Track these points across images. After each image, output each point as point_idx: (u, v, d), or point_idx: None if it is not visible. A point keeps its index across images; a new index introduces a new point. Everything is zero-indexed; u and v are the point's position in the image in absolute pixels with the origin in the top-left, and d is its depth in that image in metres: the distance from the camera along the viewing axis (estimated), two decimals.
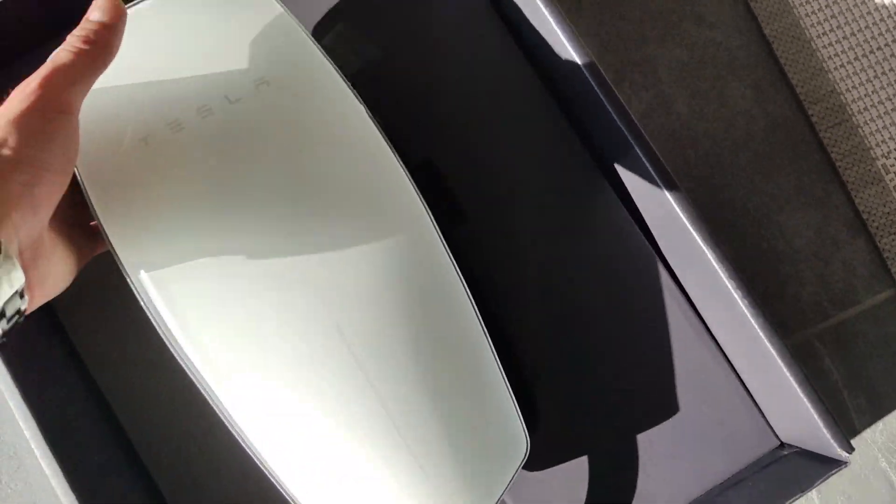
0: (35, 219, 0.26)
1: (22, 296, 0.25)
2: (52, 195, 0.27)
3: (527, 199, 0.42)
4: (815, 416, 0.35)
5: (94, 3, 0.29)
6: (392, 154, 0.32)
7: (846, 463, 0.35)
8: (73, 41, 0.28)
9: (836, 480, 0.46)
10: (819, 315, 0.48)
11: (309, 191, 0.30)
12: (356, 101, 0.33)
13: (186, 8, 0.34)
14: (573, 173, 0.42)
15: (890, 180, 0.49)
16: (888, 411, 0.47)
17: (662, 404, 0.40)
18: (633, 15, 0.51)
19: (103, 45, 0.28)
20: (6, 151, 0.25)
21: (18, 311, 0.25)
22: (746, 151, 0.49)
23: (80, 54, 0.28)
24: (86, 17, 0.29)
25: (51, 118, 0.26)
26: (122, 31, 0.29)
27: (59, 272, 0.29)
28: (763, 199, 0.48)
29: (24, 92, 0.26)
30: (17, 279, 0.24)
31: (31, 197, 0.25)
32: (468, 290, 0.31)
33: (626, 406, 0.40)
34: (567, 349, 0.40)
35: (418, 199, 0.31)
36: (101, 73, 0.28)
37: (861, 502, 0.46)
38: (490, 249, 0.41)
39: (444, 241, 0.31)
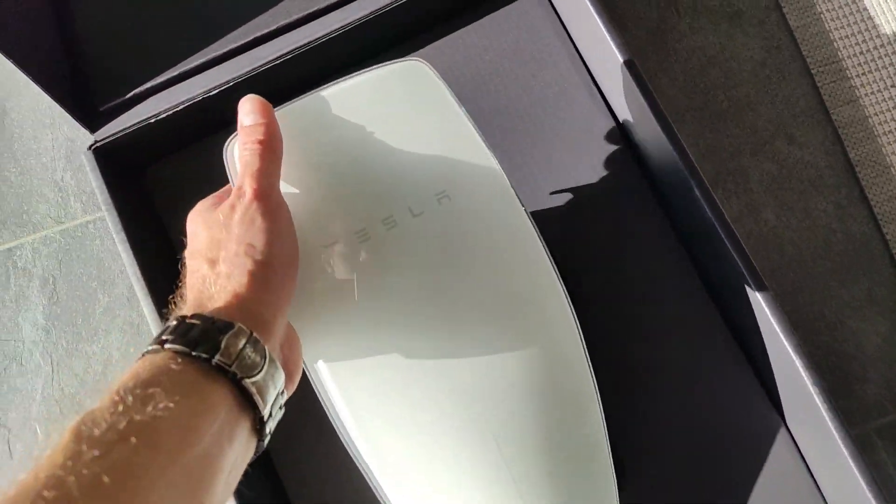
0: (285, 316, 0.29)
1: (282, 392, 0.28)
2: (293, 288, 0.30)
3: (630, 296, 0.49)
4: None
5: (241, 109, 0.32)
6: (552, 269, 0.36)
7: None
8: (249, 144, 0.31)
9: None
10: (880, 412, 0.53)
11: (477, 302, 0.35)
12: (527, 218, 0.36)
13: (364, 99, 0.36)
14: (672, 277, 0.49)
15: None
16: None
17: (737, 487, 0.46)
18: (730, 130, 0.57)
19: (270, 136, 0.31)
20: (258, 256, 0.28)
21: (280, 406, 0.28)
22: (826, 261, 0.55)
23: (262, 151, 0.31)
24: (241, 125, 0.32)
25: (276, 214, 0.29)
26: (276, 120, 0.32)
27: (299, 359, 0.32)
28: (838, 304, 0.54)
29: (242, 202, 0.29)
30: (280, 378, 0.27)
31: (287, 295, 0.30)
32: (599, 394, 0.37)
33: (706, 484, 0.46)
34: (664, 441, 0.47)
35: (570, 310, 0.36)
36: (280, 160, 0.32)
37: None
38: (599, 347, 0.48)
39: (587, 351, 0.37)
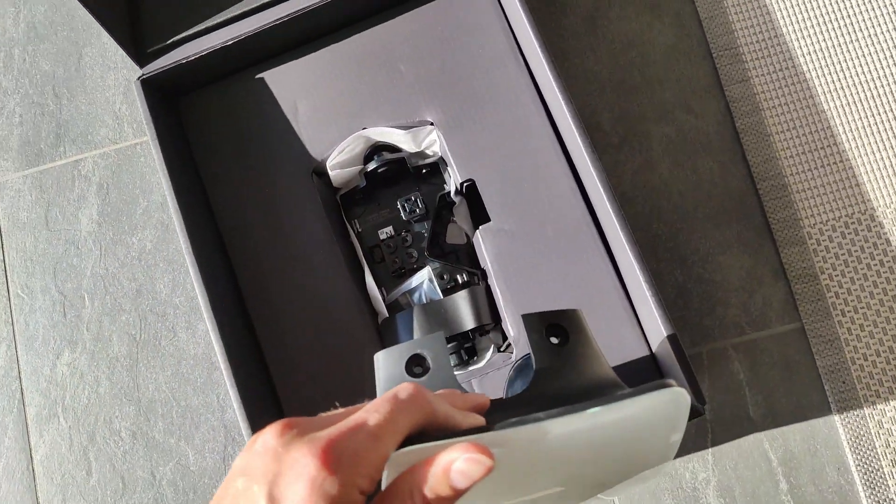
0: None
1: None
2: None
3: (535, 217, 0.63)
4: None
5: (455, 455, 0.24)
6: None
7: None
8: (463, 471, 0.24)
9: (728, 450, 0.64)
10: (737, 331, 0.66)
11: None
12: None
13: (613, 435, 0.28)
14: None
15: (810, 245, 0.66)
16: (778, 408, 0.65)
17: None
18: (641, 100, 0.71)
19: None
20: None
21: None
22: (706, 208, 0.68)
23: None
24: (444, 465, 0.24)
25: None
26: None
27: None
28: (711, 243, 0.67)
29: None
30: None
31: None
32: None
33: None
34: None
35: None
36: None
37: (745, 469, 0.64)
38: None
39: None
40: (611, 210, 0.54)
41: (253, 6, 0.63)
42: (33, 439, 0.72)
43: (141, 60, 0.63)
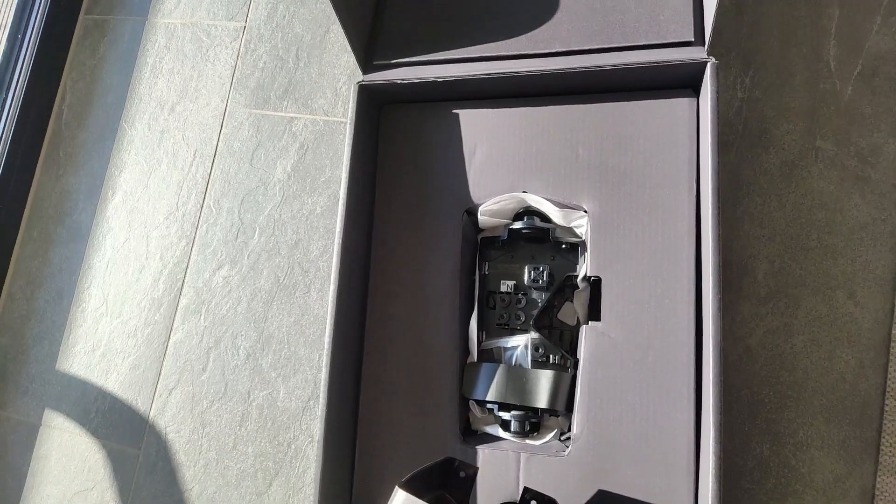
0: None
1: None
2: None
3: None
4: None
5: None
6: None
7: None
8: None
9: None
10: None
11: None
12: None
13: None
14: None
15: None
16: None
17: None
18: (807, 265, 0.68)
19: None
20: None
21: None
22: (824, 398, 0.65)
23: None
24: None
25: None
26: None
27: None
28: (813, 433, 0.65)
29: None
30: None
31: None
32: None
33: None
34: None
35: None
36: None
37: None
38: None
39: None
40: (712, 369, 0.55)
41: (473, 56, 0.69)
42: (176, 323, 0.87)
43: (366, 68, 0.71)
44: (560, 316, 0.72)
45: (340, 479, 0.67)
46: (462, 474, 0.57)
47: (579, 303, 0.71)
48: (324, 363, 0.64)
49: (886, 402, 0.64)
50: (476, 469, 0.56)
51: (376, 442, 0.69)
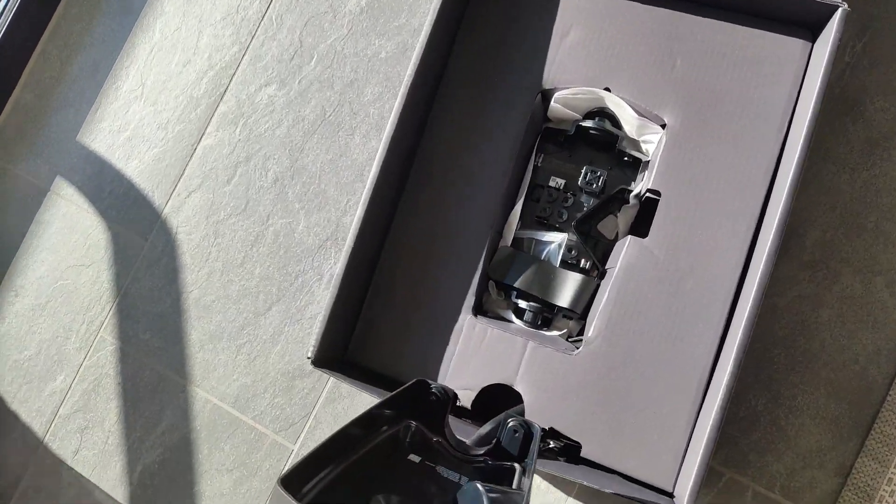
0: None
1: None
2: None
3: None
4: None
5: None
6: None
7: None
8: None
9: None
10: (768, 484, 0.66)
11: None
12: None
13: None
14: None
15: (890, 473, 0.64)
16: None
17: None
18: (858, 243, 0.67)
19: None
20: None
21: None
22: (832, 373, 0.66)
23: None
24: None
25: None
26: None
27: None
28: (810, 402, 0.66)
29: None
30: None
31: None
32: None
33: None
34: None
35: None
36: None
37: None
38: None
39: None
40: (747, 315, 0.55)
41: None
42: (210, 128, 0.84)
43: None
44: (599, 226, 0.71)
45: (342, 327, 0.68)
46: (434, 398, 0.53)
47: (624, 219, 0.70)
48: (362, 200, 0.63)
49: (890, 393, 0.65)
50: (454, 393, 0.53)
51: (386, 297, 0.69)
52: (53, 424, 0.84)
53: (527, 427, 0.52)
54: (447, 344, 0.67)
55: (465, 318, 0.67)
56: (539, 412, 0.63)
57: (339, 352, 0.68)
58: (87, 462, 0.82)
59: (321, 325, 0.65)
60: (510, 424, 0.53)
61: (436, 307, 0.68)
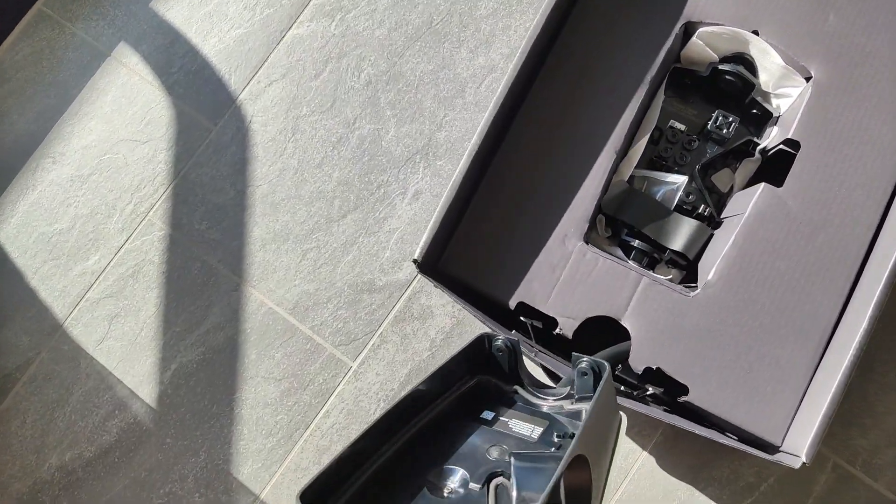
0: None
1: None
2: None
3: None
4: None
5: None
6: None
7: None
8: None
9: None
10: (849, 457, 0.65)
11: None
12: None
13: None
14: None
15: None
16: None
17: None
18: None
19: None
20: None
21: None
22: None
23: None
24: None
25: None
26: None
27: None
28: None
29: None
30: None
31: None
32: None
33: None
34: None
35: None
36: None
37: None
38: None
39: None
40: (888, 271, 0.54)
41: None
42: (304, 17, 0.78)
43: None
44: (714, 177, 0.69)
45: (442, 235, 0.63)
46: (500, 351, 0.52)
47: (743, 173, 0.68)
48: (493, 100, 0.59)
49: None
50: (517, 341, 0.51)
51: (490, 211, 0.65)
52: (78, 308, 0.76)
53: (597, 368, 0.49)
54: (552, 269, 0.64)
55: (576, 245, 0.63)
56: (646, 351, 0.61)
57: (434, 260, 0.64)
58: (113, 353, 0.75)
59: (432, 228, 0.61)
60: (580, 366, 0.50)
61: (542, 228, 0.64)
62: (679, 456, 0.67)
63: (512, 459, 0.44)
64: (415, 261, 0.61)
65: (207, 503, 0.71)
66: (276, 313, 0.74)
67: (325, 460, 0.70)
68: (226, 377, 0.73)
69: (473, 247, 0.65)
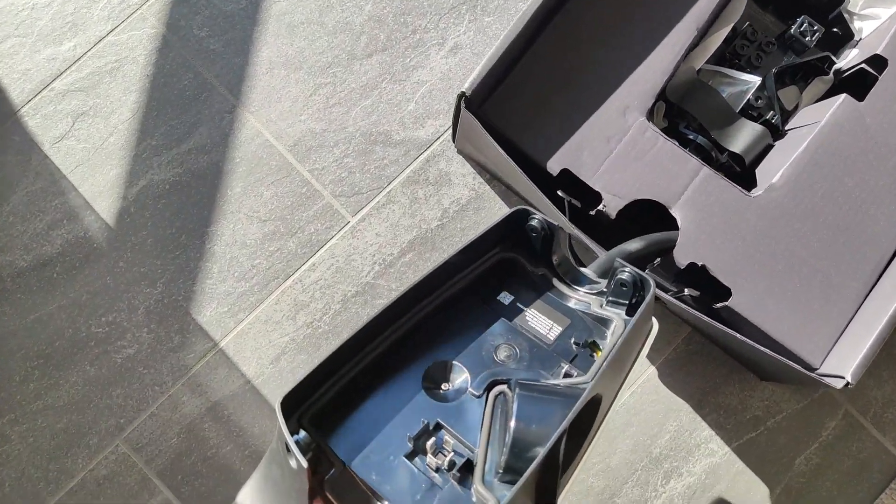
0: None
1: None
2: None
3: None
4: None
5: None
6: None
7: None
8: None
9: None
10: (862, 408, 0.61)
11: None
12: None
13: None
14: None
15: None
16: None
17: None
18: None
19: None
20: None
21: None
22: None
23: None
24: None
25: None
26: None
27: None
28: None
29: None
30: None
31: None
32: None
33: None
34: None
35: None
36: None
37: None
38: None
39: None
40: None
41: None
42: None
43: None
44: (780, 92, 0.63)
45: (489, 81, 0.55)
46: (535, 233, 0.47)
47: (812, 92, 0.63)
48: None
49: None
50: (558, 227, 0.46)
51: (543, 66, 0.59)
52: (39, 96, 0.64)
53: (640, 284, 0.44)
54: (606, 140, 0.57)
55: (637, 119, 0.57)
56: (693, 246, 0.55)
57: (479, 102, 0.56)
58: (73, 155, 0.64)
59: (485, 65, 0.54)
60: (622, 276, 0.44)
61: (597, 94, 0.58)
62: (688, 376, 0.62)
63: (517, 390, 0.40)
64: (462, 94, 0.53)
65: (156, 340, 0.61)
66: (272, 147, 0.64)
67: (302, 317, 0.63)
68: (202, 207, 0.63)
69: (521, 101, 0.58)
